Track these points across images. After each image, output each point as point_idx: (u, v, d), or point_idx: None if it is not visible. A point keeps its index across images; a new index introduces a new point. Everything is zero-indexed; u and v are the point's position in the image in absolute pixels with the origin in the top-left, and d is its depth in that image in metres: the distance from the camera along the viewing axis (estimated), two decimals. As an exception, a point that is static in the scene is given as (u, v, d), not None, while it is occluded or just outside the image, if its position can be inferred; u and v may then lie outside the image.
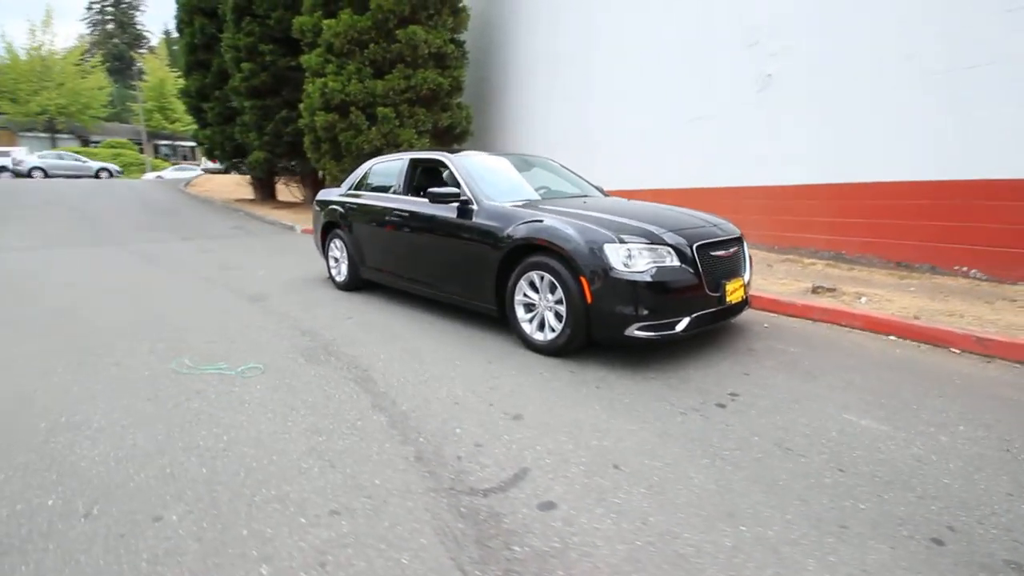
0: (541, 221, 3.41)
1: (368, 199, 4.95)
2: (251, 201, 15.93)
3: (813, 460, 2.19)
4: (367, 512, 1.86)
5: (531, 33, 11.07)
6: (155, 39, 51.02)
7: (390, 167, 4.95)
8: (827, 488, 1.99)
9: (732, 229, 3.67)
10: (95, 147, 31.66)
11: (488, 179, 4.12)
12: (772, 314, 4.40)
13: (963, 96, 4.76)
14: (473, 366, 3.28)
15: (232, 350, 3.59)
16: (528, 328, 3.53)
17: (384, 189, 4.91)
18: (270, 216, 12.85)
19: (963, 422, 2.51)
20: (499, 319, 3.87)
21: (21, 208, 13.06)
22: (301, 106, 11.51)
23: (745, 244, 3.68)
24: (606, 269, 3.06)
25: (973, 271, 4.77)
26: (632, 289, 3.03)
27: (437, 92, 11.10)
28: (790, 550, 1.67)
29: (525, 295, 3.52)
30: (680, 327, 3.13)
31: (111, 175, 26.91)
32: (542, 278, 3.39)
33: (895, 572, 1.59)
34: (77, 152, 28.39)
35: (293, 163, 14.19)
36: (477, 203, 3.85)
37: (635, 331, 3.06)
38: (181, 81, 33.98)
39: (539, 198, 4.15)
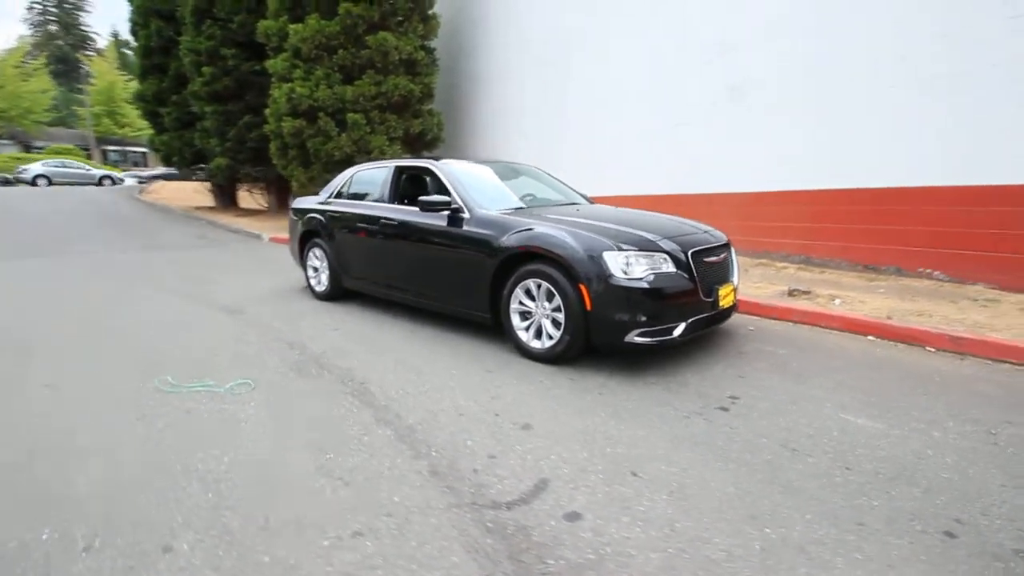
0: (537, 229, 3.41)
1: (352, 207, 4.85)
2: (211, 209, 15.38)
3: (820, 460, 2.25)
4: (391, 531, 1.80)
5: (502, 41, 11.13)
6: (102, 41, 48.83)
7: (374, 175, 4.86)
8: (839, 487, 2.06)
9: (720, 235, 3.76)
10: (38, 153, 29.95)
11: (478, 187, 4.10)
12: (754, 317, 4.53)
13: (916, 110, 5.05)
14: (472, 376, 3.25)
15: (215, 365, 3.45)
16: (524, 336, 3.51)
17: (368, 197, 4.82)
18: (234, 224, 12.44)
19: (950, 418, 2.64)
20: (492, 327, 3.85)
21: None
22: (267, 111, 11.22)
23: (732, 250, 3.78)
24: (605, 277, 3.09)
25: (936, 273, 5.04)
26: (632, 296, 3.06)
27: (408, 98, 11.01)
28: (817, 549, 1.71)
29: (521, 303, 3.51)
30: (677, 332, 3.18)
31: (113, 182, 26.64)
32: (539, 286, 3.39)
33: (917, 566, 1.65)
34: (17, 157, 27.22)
35: (257, 170, 13.79)
36: (469, 211, 3.82)
37: (635, 337, 3.10)
38: (131, 85, 32.74)
39: (529, 206, 4.15)
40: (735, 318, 4.37)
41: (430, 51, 11.51)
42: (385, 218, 4.41)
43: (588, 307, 3.14)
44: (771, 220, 6.30)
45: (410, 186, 4.74)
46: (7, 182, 24.14)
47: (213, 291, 5.83)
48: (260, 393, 3.00)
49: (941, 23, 4.86)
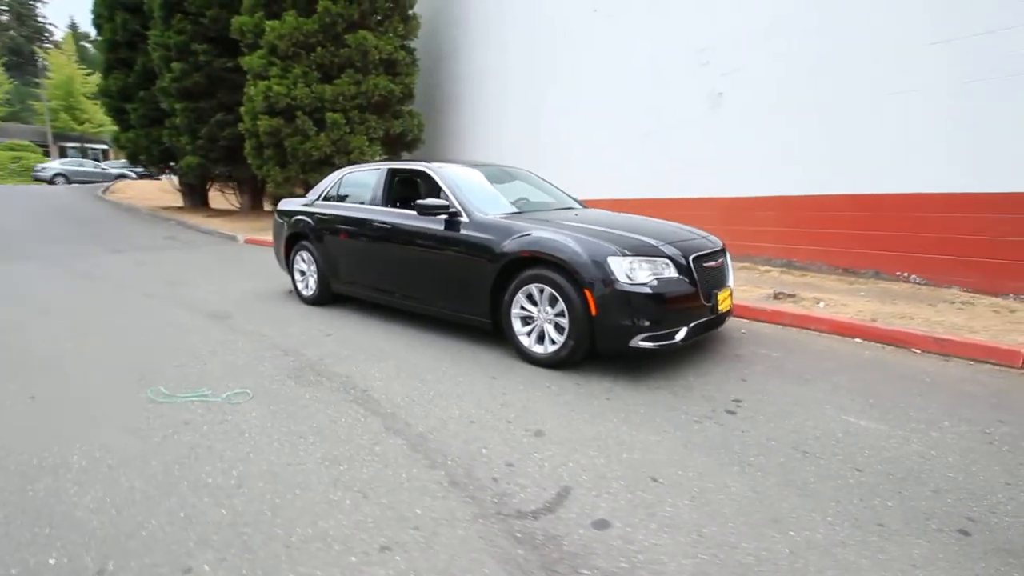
0: (540, 234, 3.41)
1: (343, 210, 4.76)
2: (180, 209, 14.90)
3: (831, 462, 2.31)
4: (419, 545, 1.77)
5: (482, 42, 11.10)
6: (59, 33, 46.73)
7: (366, 177, 4.78)
8: (853, 488, 2.11)
9: (717, 240, 3.82)
10: (-12, 149, 28.50)
11: (474, 191, 4.08)
12: (744, 320, 4.62)
13: (896, 120, 5.25)
14: (477, 382, 3.22)
15: (207, 374, 3.33)
16: (526, 341, 3.50)
17: (359, 200, 4.73)
18: (205, 225, 12.07)
19: (946, 418, 2.74)
20: (492, 332, 3.83)
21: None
22: (242, 109, 10.93)
23: (728, 254, 3.85)
24: (610, 282, 3.10)
25: (913, 276, 5.24)
26: (637, 301, 3.08)
27: (388, 99, 10.88)
28: (842, 552, 1.75)
29: (523, 308, 3.50)
30: (680, 336, 3.22)
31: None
32: (542, 291, 3.38)
33: (939, 565, 1.70)
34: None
35: (230, 169, 13.42)
36: (468, 215, 3.79)
37: (639, 342, 3.12)
38: (92, 79, 31.42)
39: (524, 210, 4.15)
40: (728, 321, 4.45)
41: (410, 51, 11.40)
42: (379, 221, 4.34)
43: (593, 312, 3.14)
44: (754, 224, 6.44)
45: (403, 189, 4.67)
46: None
47: (193, 295, 5.64)
48: (259, 402, 2.90)
49: (923, 37, 5.06)
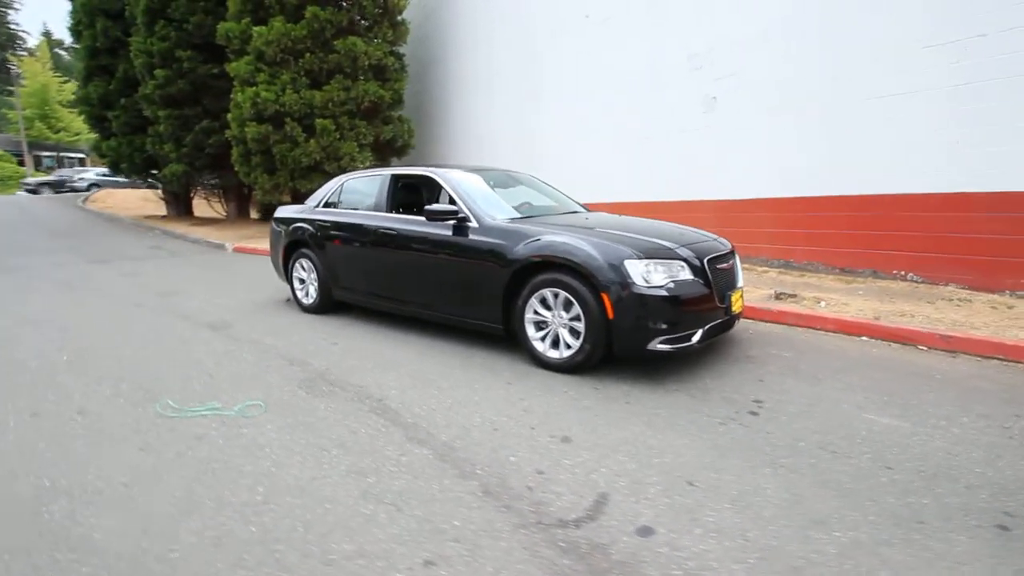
0: (554, 238, 3.39)
1: (345, 217, 4.68)
2: (164, 218, 14.62)
3: (860, 460, 2.31)
4: (463, 558, 1.72)
5: (471, 48, 11.09)
6: (33, 40, 45.64)
7: (368, 183, 4.71)
8: (887, 487, 2.11)
9: (726, 242, 3.84)
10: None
11: (482, 196, 4.04)
12: (749, 320, 4.65)
13: (888, 121, 5.35)
14: (494, 389, 3.17)
15: (214, 386, 3.24)
16: (540, 346, 3.47)
17: (361, 206, 4.66)
18: (192, 234, 11.84)
19: (963, 414, 2.77)
20: (504, 338, 3.79)
21: None
22: (229, 116, 10.78)
23: (737, 256, 3.86)
24: (627, 285, 3.08)
25: (910, 274, 5.33)
26: (654, 304, 3.07)
27: (378, 104, 10.82)
28: (889, 551, 1.74)
29: (536, 313, 3.47)
30: (696, 339, 3.21)
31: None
32: (556, 295, 3.35)
33: (984, 561, 1.70)
34: None
35: (215, 177, 13.21)
36: (477, 220, 3.76)
37: (657, 345, 3.11)
38: (68, 87, 30.72)
39: (532, 214, 4.12)
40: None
41: (399, 57, 11.36)
42: (384, 227, 4.28)
43: (610, 316, 3.12)
44: (750, 226, 6.50)
45: (407, 195, 4.62)
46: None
47: (187, 305, 5.51)
48: (274, 415, 2.83)
49: (919, 40, 5.17)
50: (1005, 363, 3.51)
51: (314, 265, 4.97)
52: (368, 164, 10.81)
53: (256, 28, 10.16)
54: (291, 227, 5.20)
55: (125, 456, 2.39)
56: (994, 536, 1.82)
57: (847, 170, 5.66)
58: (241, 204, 14.09)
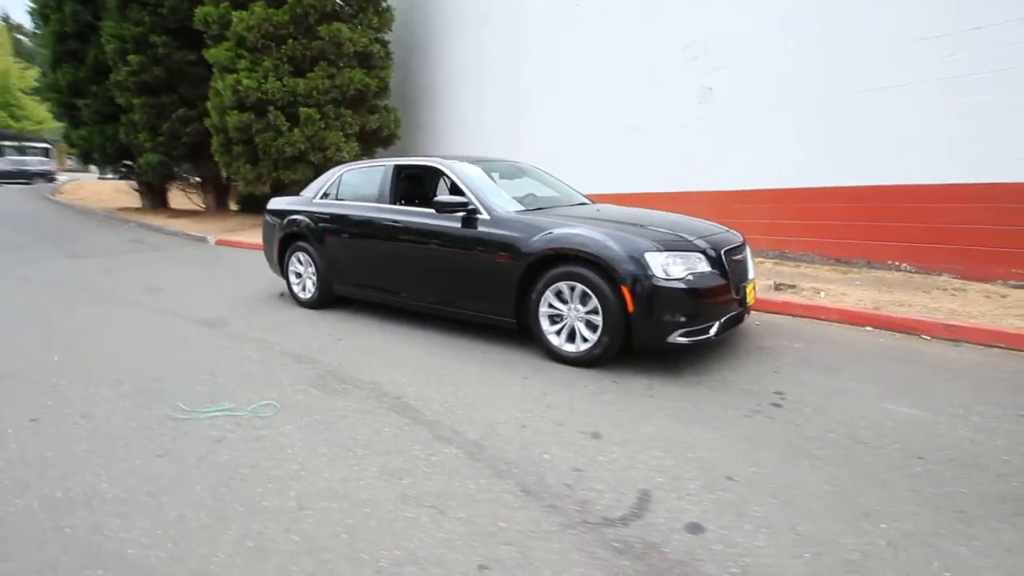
0: (571, 230, 3.34)
1: (346, 209, 4.55)
2: (139, 210, 14.12)
3: (891, 451, 2.33)
4: (517, 561, 1.68)
5: (459, 36, 10.90)
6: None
7: (368, 174, 4.59)
8: (922, 476, 2.13)
9: (738, 234, 3.84)
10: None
11: (491, 187, 3.97)
12: (754, 311, 4.68)
13: (884, 113, 5.42)
14: (512, 384, 3.13)
15: (223, 386, 3.12)
16: (556, 340, 3.43)
17: (363, 198, 4.53)
18: (170, 227, 11.46)
19: (978, 402, 2.82)
20: (516, 331, 3.75)
21: None
22: (208, 104, 10.42)
23: (748, 248, 3.87)
24: (648, 277, 3.06)
25: (904, 264, 5.44)
26: (675, 296, 3.06)
27: (364, 93, 10.57)
28: (939, 541, 1.75)
29: (551, 306, 3.43)
30: (713, 331, 3.21)
31: None
32: (572, 288, 3.31)
33: (1031, 550, 1.73)
34: None
35: (193, 167, 12.78)
36: (488, 212, 3.68)
37: (677, 338, 3.10)
38: (29, 73, 29.30)
39: (543, 206, 4.07)
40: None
41: (384, 44, 11.10)
42: (389, 220, 4.18)
43: (630, 309, 3.10)
44: (745, 217, 6.52)
45: (409, 186, 4.52)
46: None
47: (177, 301, 5.32)
48: (290, 415, 2.73)
49: (915, 33, 5.23)
50: (1007, 351, 3.60)
51: (312, 259, 4.83)
52: (354, 154, 10.58)
53: (236, 13, 9.80)
54: (287, 220, 5.04)
55: (143, 462, 2.28)
56: (1034, 524, 1.85)
57: (842, 162, 5.73)
58: (220, 195, 13.67)
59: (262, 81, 9.81)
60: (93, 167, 16.68)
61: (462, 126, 11.09)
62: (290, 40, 9.94)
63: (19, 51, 32.28)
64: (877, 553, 1.70)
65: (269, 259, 5.47)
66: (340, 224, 4.55)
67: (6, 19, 37.26)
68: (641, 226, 3.42)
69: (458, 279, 3.84)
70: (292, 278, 5.11)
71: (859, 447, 2.37)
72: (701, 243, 3.30)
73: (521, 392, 3.01)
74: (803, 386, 3.04)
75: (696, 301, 3.12)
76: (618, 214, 3.83)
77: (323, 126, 10.13)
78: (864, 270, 5.66)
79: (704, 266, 3.22)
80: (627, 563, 1.67)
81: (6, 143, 24.31)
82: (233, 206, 14.48)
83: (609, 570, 1.64)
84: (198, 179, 13.29)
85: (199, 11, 10.09)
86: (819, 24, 5.80)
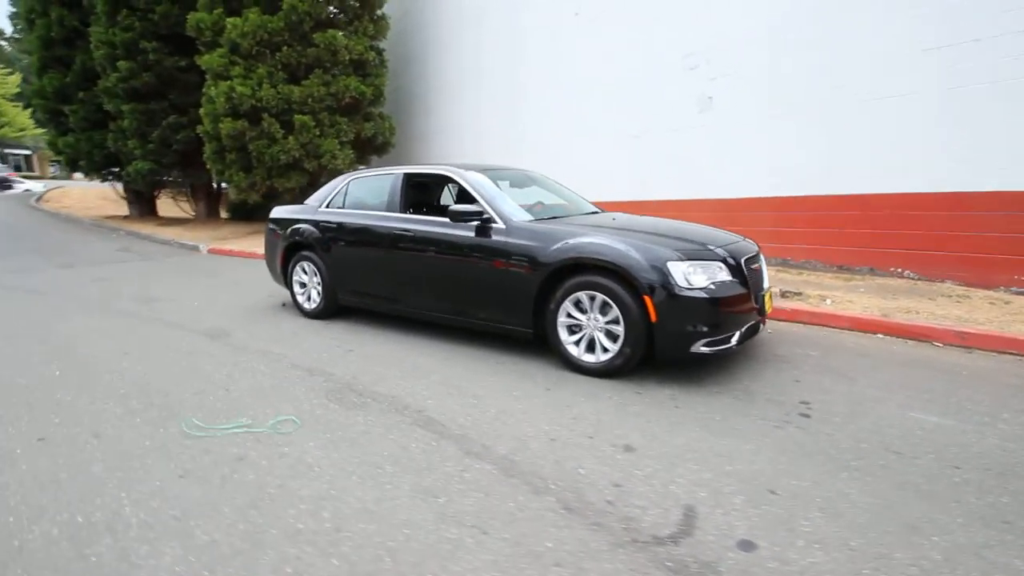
0: (591, 239, 3.31)
1: (354, 218, 4.48)
2: (126, 218, 13.89)
3: (927, 461, 2.32)
4: (572, 584, 1.62)
5: (455, 45, 10.90)
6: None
7: (377, 183, 4.52)
8: (962, 487, 2.12)
9: (753, 243, 3.84)
10: None
11: (505, 195, 3.93)
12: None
13: (884, 123, 5.50)
14: (534, 396, 3.07)
15: (236, 401, 3.03)
16: (575, 350, 3.39)
17: (372, 207, 4.47)
18: (160, 235, 11.28)
19: (1002, 410, 2.83)
20: (532, 342, 3.70)
21: None
22: (201, 111, 10.28)
23: (763, 257, 3.87)
24: (670, 287, 3.04)
25: (907, 271, 5.49)
26: (697, 306, 3.03)
27: (359, 101, 10.52)
28: (991, 553, 1.74)
29: (570, 316, 3.39)
30: (734, 341, 3.19)
31: None
32: (592, 298, 3.28)
33: (1085, 562, 1.72)
34: None
35: (183, 175, 12.59)
36: (504, 221, 3.64)
37: (700, 347, 3.07)
38: (10, 80, 28.75)
39: (557, 215, 4.04)
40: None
41: (380, 52, 11.07)
42: (400, 229, 4.11)
43: (653, 319, 3.07)
44: (748, 225, 6.56)
45: (419, 195, 4.47)
46: None
47: (174, 312, 5.20)
48: (311, 431, 2.65)
49: (915, 45, 5.32)
50: (1020, 358, 3.63)
51: (317, 268, 4.75)
52: (349, 162, 10.50)
53: (230, 19, 9.71)
54: (290, 229, 4.95)
55: (164, 483, 2.19)
56: (1082, 534, 1.84)
57: (845, 170, 5.79)
58: (211, 203, 13.51)
59: (256, 88, 9.71)
60: (77, 175, 16.31)
61: (457, 134, 11.06)
62: (285, 47, 9.86)
63: (2, 57, 31.69)
64: (933, 568, 1.68)
65: (271, 269, 5.37)
66: (348, 233, 4.48)
67: (-14, 24, 36.54)
68: (659, 235, 3.40)
69: (472, 289, 3.79)
70: (296, 288, 5.01)
71: (894, 457, 2.35)
72: (721, 252, 3.29)
73: (545, 404, 2.96)
74: (827, 395, 3.03)
75: (718, 310, 3.10)
76: (634, 223, 3.81)
77: (318, 133, 10.04)
78: (868, 277, 5.72)
79: (725, 275, 3.21)
80: (684, 583, 1.63)
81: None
82: (224, 214, 14.30)
83: (667, 591, 1.60)
84: (188, 187, 13.09)
85: (192, 17, 9.98)
86: (822, 33, 5.87)
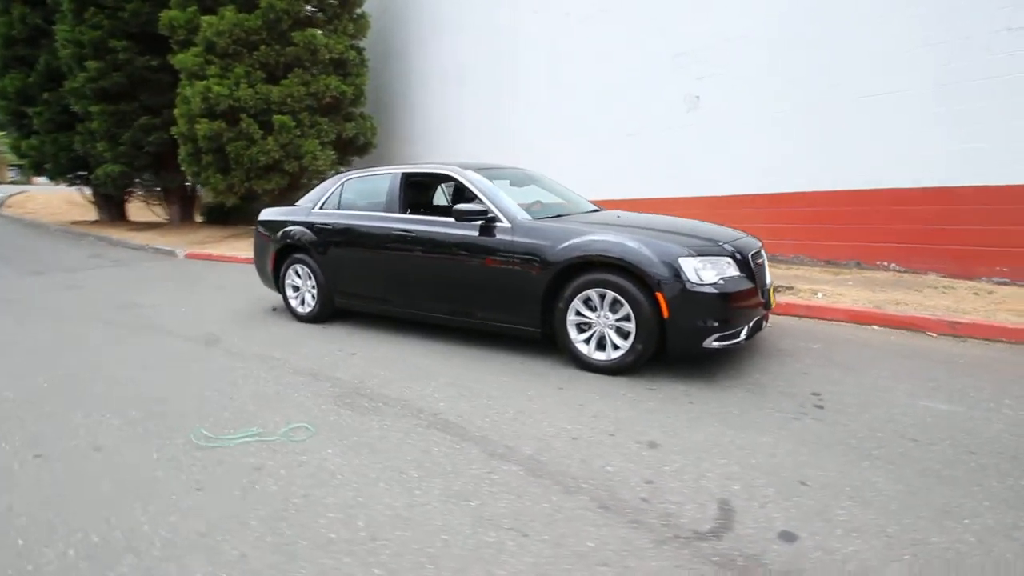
0: (601, 237, 3.30)
1: (352, 219, 4.39)
2: (95, 223, 13.39)
3: (943, 447, 2.37)
4: (622, 583, 1.60)
5: (435, 44, 10.79)
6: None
7: (375, 183, 4.44)
8: (979, 471, 2.17)
9: (757, 238, 3.89)
10: None
11: (507, 194, 3.90)
12: (759, 313, 4.76)
13: (873, 120, 5.65)
14: (547, 395, 3.05)
15: (241, 409, 2.93)
16: (585, 348, 3.38)
17: (369, 208, 4.39)
18: (133, 240, 10.91)
19: (1004, 396, 2.91)
20: (540, 341, 3.68)
21: None
22: (175, 112, 9.97)
23: (765, 253, 3.92)
24: (682, 283, 3.05)
25: (892, 265, 5.65)
26: (708, 301, 3.05)
27: (340, 100, 10.35)
28: (1021, 535, 1.78)
29: (579, 314, 3.37)
30: (743, 335, 3.22)
31: None
32: (603, 296, 3.27)
33: (1110, 540, 1.77)
34: None
35: (156, 178, 12.19)
36: (510, 220, 3.61)
37: (712, 342, 3.09)
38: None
39: (563, 212, 4.03)
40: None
41: (360, 51, 10.90)
42: (402, 229, 4.04)
43: (665, 315, 3.08)
44: (737, 222, 6.63)
45: (418, 195, 4.40)
46: None
47: (160, 319, 5.03)
48: (326, 437, 2.58)
49: (906, 43, 5.46)
50: (1011, 345, 3.76)
51: (312, 272, 4.64)
52: (330, 163, 10.32)
53: (205, 17, 9.44)
54: (282, 232, 4.83)
55: (181, 497, 2.09)
56: (1101, 513, 1.90)
57: (833, 166, 5.92)
58: (185, 207, 13.12)
59: (234, 88, 9.46)
60: (39, 179, 15.62)
61: (441, 133, 10.96)
62: (263, 46, 9.64)
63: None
64: (970, 551, 1.71)
65: (261, 273, 5.23)
66: (346, 234, 4.39)
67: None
68: (666, 232, 3.42)
69: (479, 289, 3.74)
70: (289, 292, 4.89)
71: (912, 445, 2.40)
72: (729, 247, 3.32)
73: (560, 403, 2.94)
74: (837, 386, 3.08)
75: (729, 305, 3.12)
76: (639, 220, 3.82)
77: (298, 134, 9.84)
78: (855, 271, 5.86)
79: (733, 270, 3.23)
80: (734, 578, 1.62)
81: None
82: (198, 218, 13.91)
83: (719, 587, 1.59)
84: (161, 190, 12.69)
85: (164, 15, 9.68)
86: (810, 32, 5.99)
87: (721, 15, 6.63)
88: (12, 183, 28.86)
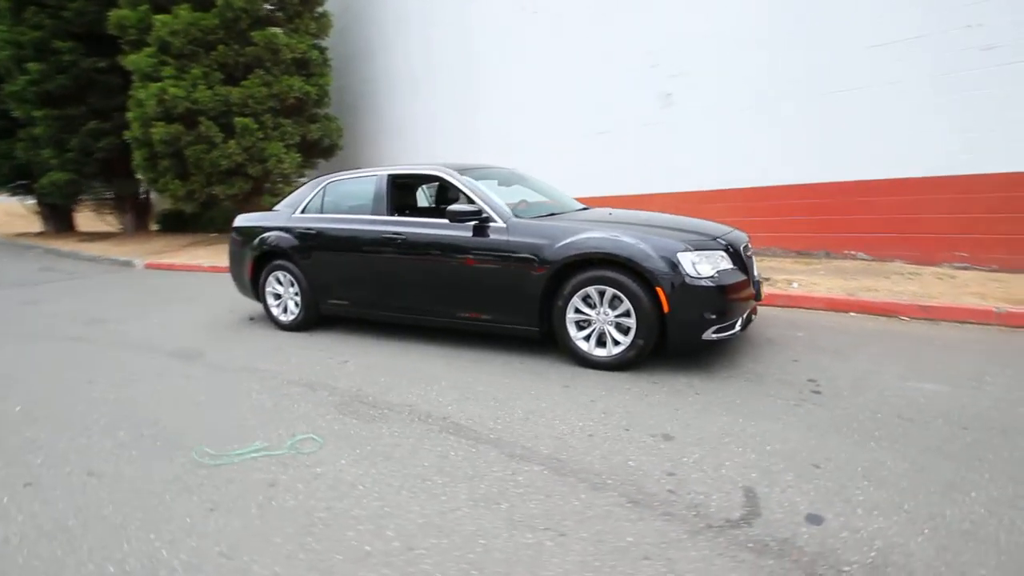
0: (599, 234, 3.32)
1: (337, 223, 4.28)
2: (42, 234, 12.65)
3: (938, 425, 2.50)
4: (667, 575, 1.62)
5: (402, 43, 10.65)
6: None
7: (358, 185, 4.34)
8: (976, 447, 2.30)
9: (744, 232, 4.00)
10: None
11: (498, 194, 3.88)
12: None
13: (835, 115, 5.91)
14: (553, 394, 3.06)
15: (241, 423, 2.83)
16: (585, 346, 3.40)
17: (354, 211, 4.29)
18: (86, 251, 10.36)
19: (984, 373, 3.09)
20: (538, 340, 3.68)
21: None
22: (129, 115, 9.53)
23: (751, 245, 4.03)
24: (681, 277, 3.11)
25: (860, 254, 5.92)
26: (706, 294, 3.12)
27: (304, 101, 10.09)
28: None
29: (578, 311, 3.40)
30: (739, 326, 3.32)
31: None
32: (602, 293, 3.30)
33: (1102, 503, 1.91)
34: None
35: (107, 185, 11.59)
36: (504, 220, 3.60)
37: (711, 334, 3.17)
38: None
39: (555, 211, 4.04)
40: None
41: (323, 51, 10.64)
42: (392, 232, 3.97)
43: (665, 309, 3.13)
44: (711, 216, 6.84)
45: (405, 197, 4.33)
46: None
47: (130, 333, 4.81)
48: (337, 447, 2.51)
49: (862, 40, 5.71)
50: (979, 326, 4.00)
51: (295, 278, 4.51)
52: (296, 166, 10.05)
53: (158, 16, 9.04)
54: (260, 238, 4.67)
55: (196, 520, 1.99)
56: (1090, 478, 2.05)
57: (800, 160, 6.16)
58: (140, 215, 12.52)
59: (191, 89, 9.09)
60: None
61: (409, 134, 10.82)
62: (220, 46, 9.30)
63: None
64: (982, 521, 1.81)
65: (238, 281, 5.05)
66: (331, 239, 4.28)
67: None
68: (660, 227, 3.47)
69: (474, 290, 3.72)
70: (270, 300, 4.74)
71: (909, 424, 2.52)
72: (722, 241, 3.41)
73: (568, 401, 2.96)
74: (829, 372, 3.21)
75: (726, 298, 3.20)
76: (631, 217, 3.88)
77: (261, 136, 9.54)
78: (824, 260, 6.11)
79: (727, 263, 3.32)
80: (772, 562, 1.66)
81: None
82: (154, 226, 13.31)
83: (759, 571, 1.63)
84: (114, 198, 12.07)
85: (114, 14, 9.21)
86: (770, 32, 6.20)
87: (688, 16, 6.79)
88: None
